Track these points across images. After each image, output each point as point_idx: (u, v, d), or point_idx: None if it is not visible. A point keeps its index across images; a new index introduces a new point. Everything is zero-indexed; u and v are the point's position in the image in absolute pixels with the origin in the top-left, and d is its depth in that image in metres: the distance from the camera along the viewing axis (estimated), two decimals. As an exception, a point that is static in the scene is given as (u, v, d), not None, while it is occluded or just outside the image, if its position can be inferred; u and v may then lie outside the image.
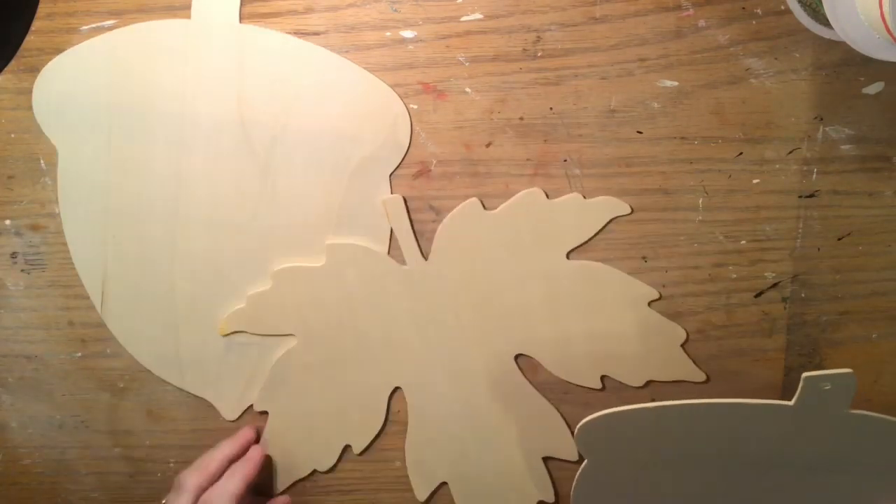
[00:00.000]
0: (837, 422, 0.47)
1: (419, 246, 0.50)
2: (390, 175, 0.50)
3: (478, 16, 0.48)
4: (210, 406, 0.54)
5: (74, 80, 0.49)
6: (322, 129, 0.49)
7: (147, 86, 0.49)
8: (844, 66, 0.48)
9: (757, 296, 0.52)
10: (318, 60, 0.48)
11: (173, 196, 0.50)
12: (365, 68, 0.48)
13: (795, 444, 0.49)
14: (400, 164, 0.50)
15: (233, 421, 0.54)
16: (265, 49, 0.48)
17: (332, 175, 0.50)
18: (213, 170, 0.50)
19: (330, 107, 0.49)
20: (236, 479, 0.49)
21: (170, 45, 0.48)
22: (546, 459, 0.54)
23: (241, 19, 0.48)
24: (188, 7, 0.48)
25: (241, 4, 0.48)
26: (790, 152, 0.49)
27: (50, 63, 0.48)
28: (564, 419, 0.53)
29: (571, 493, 0.52)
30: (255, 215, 0.50)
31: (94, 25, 0.48)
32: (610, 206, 0.50)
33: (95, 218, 0.51)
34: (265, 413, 0.54)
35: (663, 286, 0.51)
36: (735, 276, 0.51)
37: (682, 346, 0.52)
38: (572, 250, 0.51)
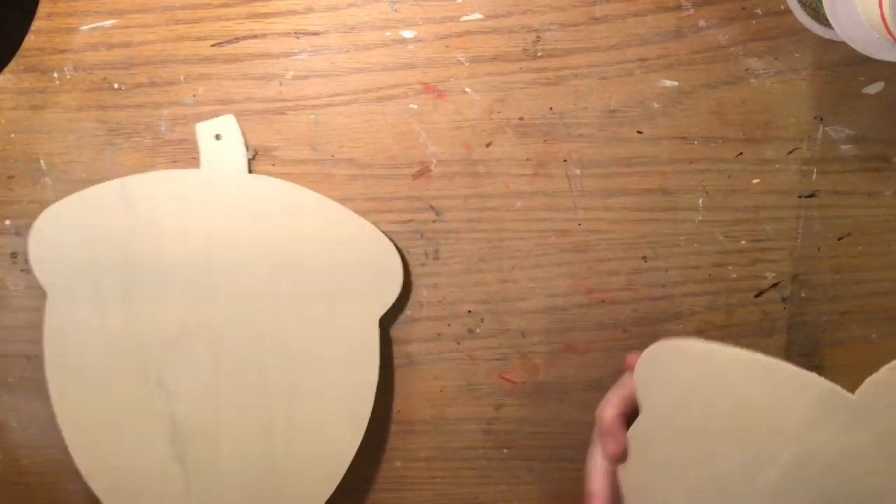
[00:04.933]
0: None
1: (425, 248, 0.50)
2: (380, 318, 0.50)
3: (478, 16, 0.48)
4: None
5: (73, 228, 0.49)
6: (319, 275, 0.49)
7: (155, 235, 0.49)
8: (844, 66, 0.48)
9: (757, 296, 0.52)
10: (319, 210, 0.49)
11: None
12: (365, 68, 0.48)
13: None
14: (390, 308, 0.50)
15: None
16: (273, 199, 0.49)
17: (326, 316, 0.50)
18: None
19: (328, 256, 0.49)
20: None
21: (178, 194, 0.49)
22: None
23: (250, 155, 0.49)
24: (187, 7, 0.48)
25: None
26: (790, 152, 0.49)
27: (48, 210, 0.49)
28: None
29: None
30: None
31: (93, 25, 0.48)
32: None
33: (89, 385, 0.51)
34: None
35: (663, 286, 0.51)
36: (735, 276, 0.51)
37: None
38: None
